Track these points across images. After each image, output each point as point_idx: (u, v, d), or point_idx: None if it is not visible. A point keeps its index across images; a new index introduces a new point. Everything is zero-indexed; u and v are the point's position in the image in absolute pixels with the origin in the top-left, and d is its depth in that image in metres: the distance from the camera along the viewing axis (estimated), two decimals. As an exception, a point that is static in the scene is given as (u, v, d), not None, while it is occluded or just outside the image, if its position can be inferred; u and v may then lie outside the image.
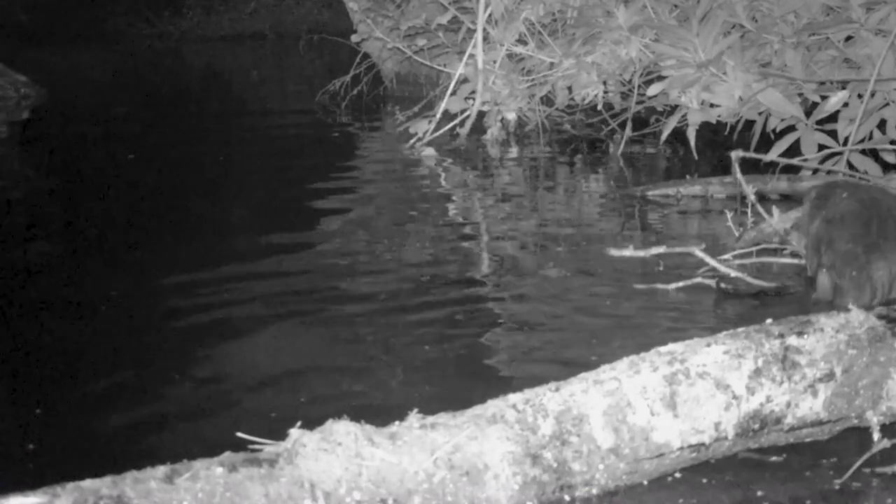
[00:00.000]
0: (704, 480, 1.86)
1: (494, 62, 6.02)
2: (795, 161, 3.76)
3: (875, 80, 3.75)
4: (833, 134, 4.01)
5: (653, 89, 5.13)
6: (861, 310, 2.00)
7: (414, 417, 1.70)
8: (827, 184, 3.21)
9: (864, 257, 2.74)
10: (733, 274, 2.99)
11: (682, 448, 1.80)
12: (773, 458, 1.94)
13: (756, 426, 1.85)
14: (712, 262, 3.00)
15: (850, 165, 3.90)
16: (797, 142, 4.08)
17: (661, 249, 3.09)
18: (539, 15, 6.01)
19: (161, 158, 5.83)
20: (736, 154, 3.50)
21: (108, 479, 1.48)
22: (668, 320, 2.77)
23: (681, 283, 2.99)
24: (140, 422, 2.20)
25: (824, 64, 4.55)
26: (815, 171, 3.92)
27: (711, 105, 4.88)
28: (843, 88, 4.11)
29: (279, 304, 3.00)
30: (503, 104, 6.07)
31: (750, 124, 4.61)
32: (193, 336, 2.76)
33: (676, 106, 5.12)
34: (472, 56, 5.98)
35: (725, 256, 3.23)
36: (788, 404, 1.87)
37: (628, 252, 3.08)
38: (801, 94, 4.44)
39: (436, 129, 5.93)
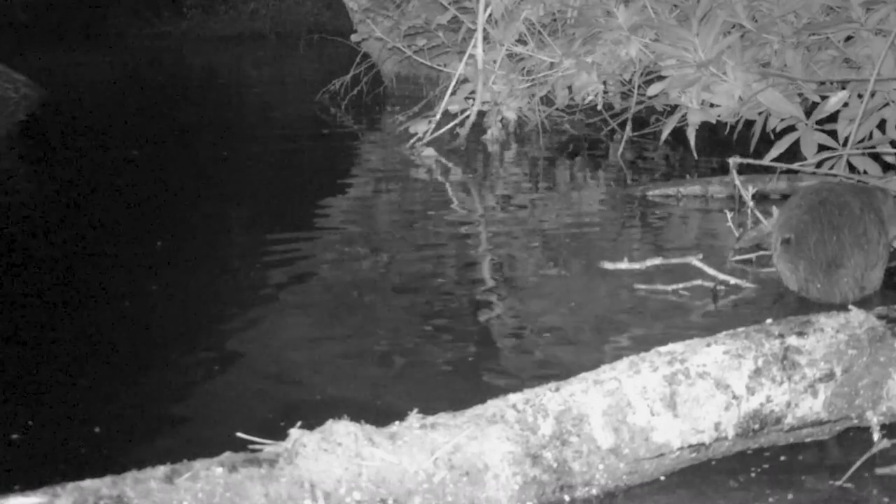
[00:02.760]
0: (703, 481, 1.85)
1: (494, 62, 6.01)
2: (795, 166, 3.77)
3: (875, 80, 3.74)
4: (833, 134, 4.00)
5: (653, 89, 5.13)
6: (861, 310, 2.00)
7: (414, 417, 1.70)
8: (794, 194, 3.24)
9: (826, 273, 2.84)
10: (733, 282, 3.00)
11: (682, 448, 1.80)
12: (773, 459, 1.94)
13: (756, 426, 1.85)
14: (711, 272, 3.01)
15: (850, 166, 3.89)
16: (797, 142, 4.08)
17: (657, 261, 3.12)
18: (539, 15, 6.00)
19: (162, 158, 5.82)
20: (734, 160, 3.53)
21: (108, 479, 1.48)
22: (669, 320, 2.77)
23: (681, 284, 3.00)
24: (140, 421, 2.20)
25: (824, 64, 4.54)
26: (817, 168, 3.92)
27: (711, 105, 4.88)
28: (843, 88, 4.11)
29: (278, 303, 3.01)
30: (503, 104, 6.07)
31: (750, 124, 4.61)
32: (192, 336, 2.76)
33: (676, 106, 5.12)
34: (472, 56, 5.98)
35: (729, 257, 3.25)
36: (788, 404, 1.87)
37: (624, 265, 3.11)
38: (801, 94, 4.44)
39: (436, 129, 5.92)
